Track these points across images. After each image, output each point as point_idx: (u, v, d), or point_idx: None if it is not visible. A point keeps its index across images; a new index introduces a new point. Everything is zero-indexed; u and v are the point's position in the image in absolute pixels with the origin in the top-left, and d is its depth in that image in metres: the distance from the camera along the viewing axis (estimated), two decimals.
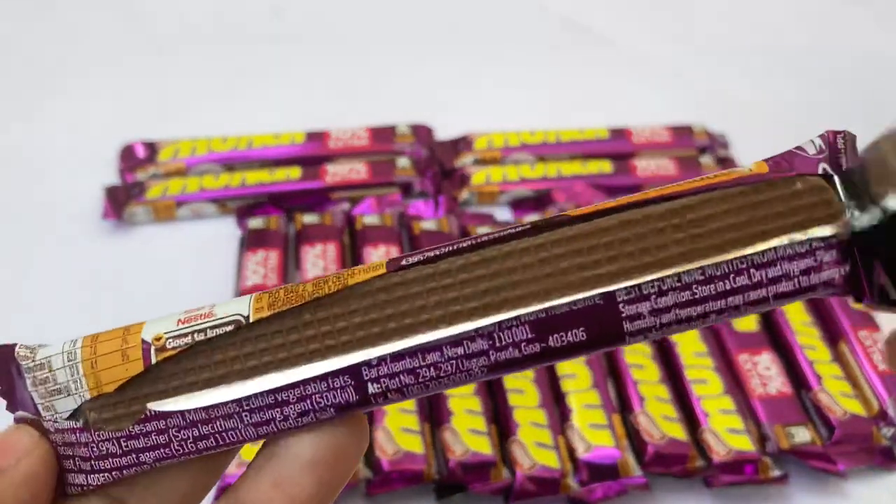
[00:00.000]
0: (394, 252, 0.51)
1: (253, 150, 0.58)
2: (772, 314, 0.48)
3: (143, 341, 0.19)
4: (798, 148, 0.19)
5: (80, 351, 0.19)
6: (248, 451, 0.36)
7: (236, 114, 0.63)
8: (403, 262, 0.19)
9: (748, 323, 0.48)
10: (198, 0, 0.75)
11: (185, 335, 0.19)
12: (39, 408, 0.19)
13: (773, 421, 0.43)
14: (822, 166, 0.19)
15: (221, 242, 0.54)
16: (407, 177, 0.57)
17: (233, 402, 0.19)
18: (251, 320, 0.19)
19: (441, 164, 0.59)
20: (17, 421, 0.20)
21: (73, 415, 0.19)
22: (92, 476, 0.19)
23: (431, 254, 0.19)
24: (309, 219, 0.53)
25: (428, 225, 0.53)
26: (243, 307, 0.19)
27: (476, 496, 0.41)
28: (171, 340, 0.19)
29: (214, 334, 0.19)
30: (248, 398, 0.19)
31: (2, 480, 0.19)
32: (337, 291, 0.19)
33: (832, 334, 0.48)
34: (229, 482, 0.38)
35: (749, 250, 0.18)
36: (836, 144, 0.19)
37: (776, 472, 0.42)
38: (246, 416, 0.19)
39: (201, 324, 0.19)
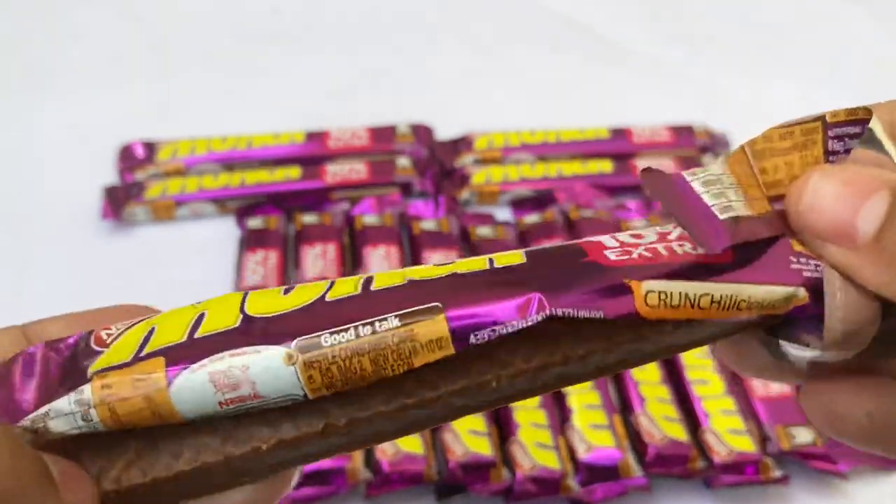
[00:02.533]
0: (394, 252, 0.51)
1: (252, 149, 0.58)
2: None
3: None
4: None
5: (95, 411, 0.18)
6: None
7: (236, 113, 0.63)
8: (472, 340, 0.18)
9: None
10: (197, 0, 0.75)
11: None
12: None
13: (774, 422, 0.43)
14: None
15: (221, 242, 0.53)
16: (407, 177, 0.57)
17: None
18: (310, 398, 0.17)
19: (441, 163, 0.59)
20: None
21: None
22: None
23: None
24: (309, 219, 0.53)
25: (428, 225, 0.53)
26: (296, 387, 0.17)
27: (476, 497, 0.41)
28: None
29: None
30: None
31: None
32: (401, 374, 0.17)
33: None
34: None
35: None
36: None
37: (777, 473, 0.42)
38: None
39: (251, 405, 0.17)
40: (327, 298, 0.18)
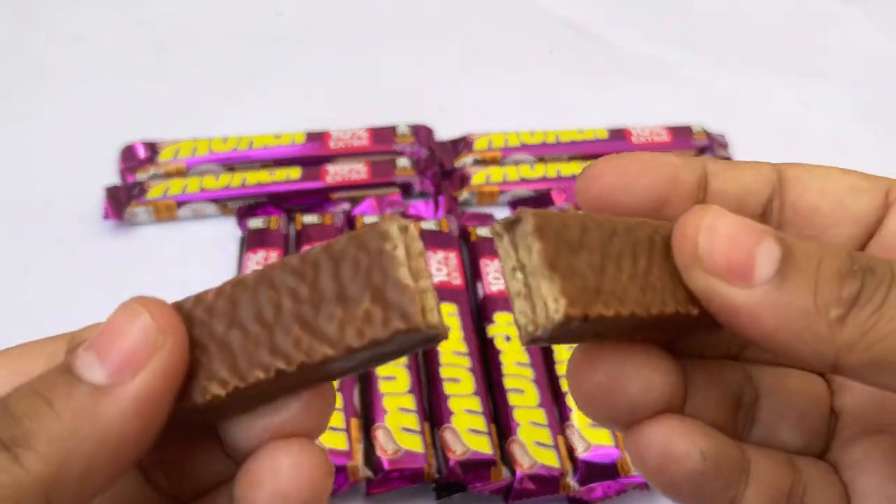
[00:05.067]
0: None
1: (253, 150, 0.59)
2: None
3: None
4: None
5: None
6: None
7: (237, 114, 0.63)
8: None
9: None
10: (201, 1, 0.75)
11: None
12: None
13: None
14: None
15: (222, 242, 0.54)
16: (407, 177, 0.57)
17: None
18: None
19: (441, 164, 0.59)
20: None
21: None
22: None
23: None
24: (309, 219, 0.53)
25: (428, 225, 0.53)
26: None
27: (476, 495, 0.41)
28: None
29: None
30: None
31: (109, 401, 0.17)
32: None
33: None
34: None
35: None
36: None
37: None
38: None
39: None
40: None
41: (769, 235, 0.19)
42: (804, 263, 0.19)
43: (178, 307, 0.19)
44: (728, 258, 0.19)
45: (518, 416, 0.43)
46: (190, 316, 0.19)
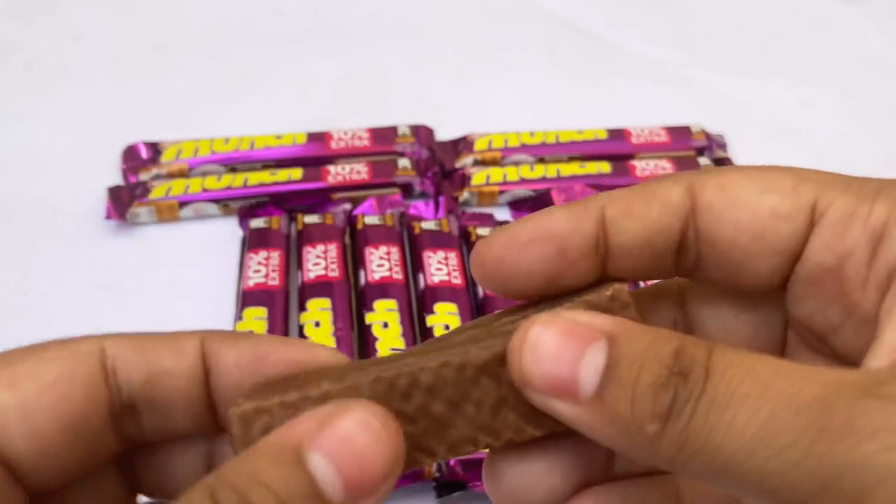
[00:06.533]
0: (394, 253, 0.51)
1: (255, 151, 0.59)
2: None
3: None
4: None
5: None
6: None
7: (238, 115, 0.63)
8: None
9: None
10: (201, 0, 0.75)
11: None
12: None
13: None
14: None
15: (223, 242, 0.54)
16: (407, 177, 0.57)
17: None
18: None
19: (441, 164, 0.59)
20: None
21: None
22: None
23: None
24: (310, 219, 0.53)
25: (428, 225, 0.53)
26: None
27: (476, 494, 0.41)
28: None
29: None
30: None
31: None
32: None
33: None
34: None
35: None
36: None
37: None
38: None
39: None
40: None
41: (596, 340, 0.19)
42: (625, 373, 0.18)
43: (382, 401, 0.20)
44: (552, 378, 0.19)
45: None
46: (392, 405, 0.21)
